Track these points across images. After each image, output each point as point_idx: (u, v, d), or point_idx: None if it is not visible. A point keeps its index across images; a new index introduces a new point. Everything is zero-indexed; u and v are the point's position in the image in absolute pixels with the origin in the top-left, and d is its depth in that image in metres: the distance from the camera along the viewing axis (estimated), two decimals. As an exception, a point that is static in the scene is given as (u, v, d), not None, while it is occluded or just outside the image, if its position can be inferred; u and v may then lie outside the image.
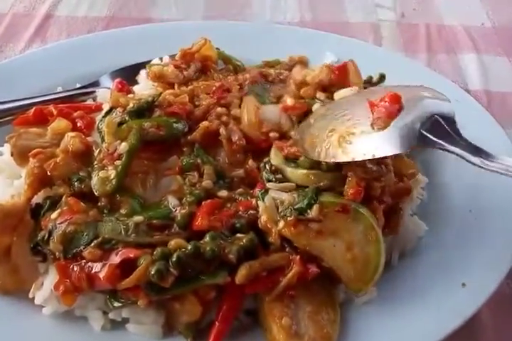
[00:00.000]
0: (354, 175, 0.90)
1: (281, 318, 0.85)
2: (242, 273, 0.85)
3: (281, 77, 1.24)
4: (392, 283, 0.97)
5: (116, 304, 0.87)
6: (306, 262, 0.88)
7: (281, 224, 0.88)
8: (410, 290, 0.97)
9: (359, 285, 0.90)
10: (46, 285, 0.91)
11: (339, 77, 1.09)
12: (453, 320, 0.91)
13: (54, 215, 0.90)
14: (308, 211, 0.88)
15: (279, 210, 0.90)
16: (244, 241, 0.87)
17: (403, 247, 1.05)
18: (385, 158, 0.95)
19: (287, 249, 0.89)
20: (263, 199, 0.92)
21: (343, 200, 0.90)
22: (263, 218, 0.89)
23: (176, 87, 1.17)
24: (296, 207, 0.89)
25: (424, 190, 1.13)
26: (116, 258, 0.83)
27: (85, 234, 0.87)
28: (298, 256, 0.87)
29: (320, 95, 1.11)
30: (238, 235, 0.89)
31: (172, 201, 0.93)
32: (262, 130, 1.03)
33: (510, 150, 1.19)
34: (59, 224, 0.88)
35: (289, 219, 0.88)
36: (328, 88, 1.11)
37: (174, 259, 0.82)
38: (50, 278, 0.91)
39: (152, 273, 0.81)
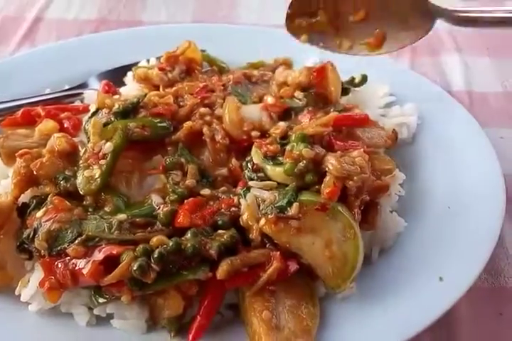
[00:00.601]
0: (330, 175, 0.92)
1: (262, 312, 0.87)
2: (223, 269, 0.87)
3: (264, 78, 1.27)
4: (371, 277, 0.99)
5: (100, 300, 0.89)
6: (286, 259, 0.90)
7: (262, 221, 0.91)
8: (389, 285, 0.99)
9: (337, 282, 0.92)
10: (32, 283, 0.93)
11: (318, 78, 1.12)
12: (430, 313, 0.93)
13: (39, 214, 0.92)
14: (289, 209, 0.90)
15: (261, 208, 0.92)
16: (225, 237, 0.89)
17: (383, 243, 1.07)
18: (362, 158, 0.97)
19: (268, 246, 0.91)
20: (245, 197, 0.94)
21: (321, 199, 0.92)
22: (245, 215, 0.92)
23: (161, 88, 1.20)
24: (276, 205, 0.91)
25: (403, 186, 1.15)
26: (99, 255, 0.85)
27: (69, 231, 0.89)
28: (278, 252, 0.90)
29: (298, 94, 1.14)
30: (219, 231, 0.91)
31: (156, 199, 0.95)
32: (244, 129, 1.05)
33: (489, 150, 1.22)
34: (44, 222, 0.90)
35: (269, 216, 0.90)
36: (308, 88, 1.14)
37: (156, 255, 0.84)
38: (36, 276, 0.93)
39: (134, 268, 0.82)
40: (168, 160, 1.00)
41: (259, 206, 0.93)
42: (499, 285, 1.11)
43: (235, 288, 0.92)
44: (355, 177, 0.94)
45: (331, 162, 0.93)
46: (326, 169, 0.93)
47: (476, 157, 1.22)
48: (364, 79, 1.30)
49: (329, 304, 0.95)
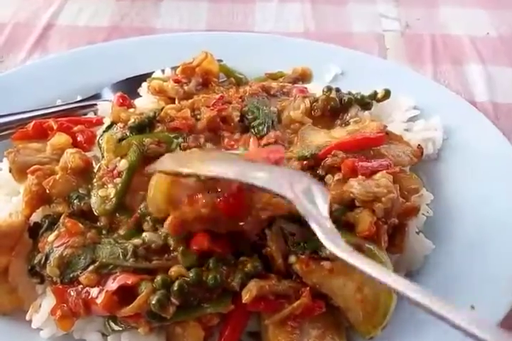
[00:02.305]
0: (365, 212, 0.87)
1: (287, 344, 0.83)
2: (251, 293, 0.82)
3: (284, 89, 1.22)
4: (397, 305, 0.93)
5: (116, 327, 0.85)
6: (315, 298, 0.86)
7: (292, 259, 0.86)
8: (417, 313, 0.93)
9: (367, 328, 0.87)
10: (44, 308, 0.89)
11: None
12: (462, 344, 0.88)
13: (51, 238, 0.88)
14: (322, 248, 0.85)
15: (289, 243, 0.88)
16: (248, 266, 0.85)
17: (409, 266, 1.02)
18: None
19: (294, 278, 0.87)
20: (269, 227, 0.89)
21: (356, 239, 0.87)
22: (270, 249, 0.87)
23: (176, 101, 1.15)
24: (309, 244, 0.87)
25: (430, 206, 1.10)
26: (113, 285, 0.80)
27: (82, 257, 0.85)
28: (308, 289, 0.85)
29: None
30: (242, 259, 0.87)
31: None
32: None
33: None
34: (56, 247, 0.86)
35: (301, 256, 0.86)
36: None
37: (176, 288, 0.79)
38: (48, 301, 0.89)
39: (153, 302, 0.78)
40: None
41: (284, 238, 0.88)
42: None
43: (257, 315, 0.87)
44: (383, 199, 0.89)
45: (355, 187, 0.88)
46: (351, 195, 0.88)
47: (504, 172, 1.16)
48: (387, 94, 1.23)
49: (355, 334, 0.90)
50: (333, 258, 0.84)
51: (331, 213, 0.88)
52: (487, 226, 1.06)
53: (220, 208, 0.83)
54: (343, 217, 0.89)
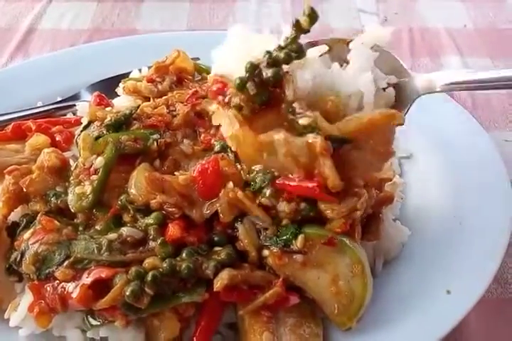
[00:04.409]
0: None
1: (262, 333, 0.84)
2: (222, 282, 0.82)
3: None
4: (376, 291, 0.94)
5: (94, 323, 0.86)
6: (289, 290, 0.87)
7: (265, 252, 0.87)
8: (394, 299, 0.95)
9: (343, 319, 0.87)
10: (22, 306, 0.89)
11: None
12: (438, 329, 0.89)
13: (27, 235, 0.89)
14: (294, 242, 0.86)
15: (261, 237, 0.89)
16: (222, 256, 0.85)
17: (387, 254, 1.03)
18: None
19: (267, 269, 0.88)
20: (241, 222, 0.90)
21: (329, 232, 0.87)
22: (243, 242, 0.88)
23: (151, 100, 1.16)
24: (280, 238, 0.87)
25: (404, 193, 1.11)
26: (88, 279, 0.81)
27: (57, 253, 0.86)
28: (281, 279, 0.86)
29: None
30: (216, 249, 0.88)
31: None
32: None
33: (494, 154, 1.18)
34: (31, 244, 0.87)
35: (274, 250, 0.86)
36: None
37: (149, 279, 0.80)
38: (26, 298, 0.89)
39: (127, 294, 0.79)
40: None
41: (257, 232, 0.89)
42: (509, 295, 1.07)
43: (234, 306, 0.88)
44: (358, 206, 0.88)
45: (328, 212, 0.87)
46: (328, 216, 0.87)
47: (480, 161, 1.18)
48: (311, 17, 0.84)
49: (332, 325, 0.90)
50: (305, 251, 0.85)
51: (299, 211, 0.87)
52: (461, 212, 1.07)
53: (196, 181, 0.87)
54: (311, 212, 0.88)
